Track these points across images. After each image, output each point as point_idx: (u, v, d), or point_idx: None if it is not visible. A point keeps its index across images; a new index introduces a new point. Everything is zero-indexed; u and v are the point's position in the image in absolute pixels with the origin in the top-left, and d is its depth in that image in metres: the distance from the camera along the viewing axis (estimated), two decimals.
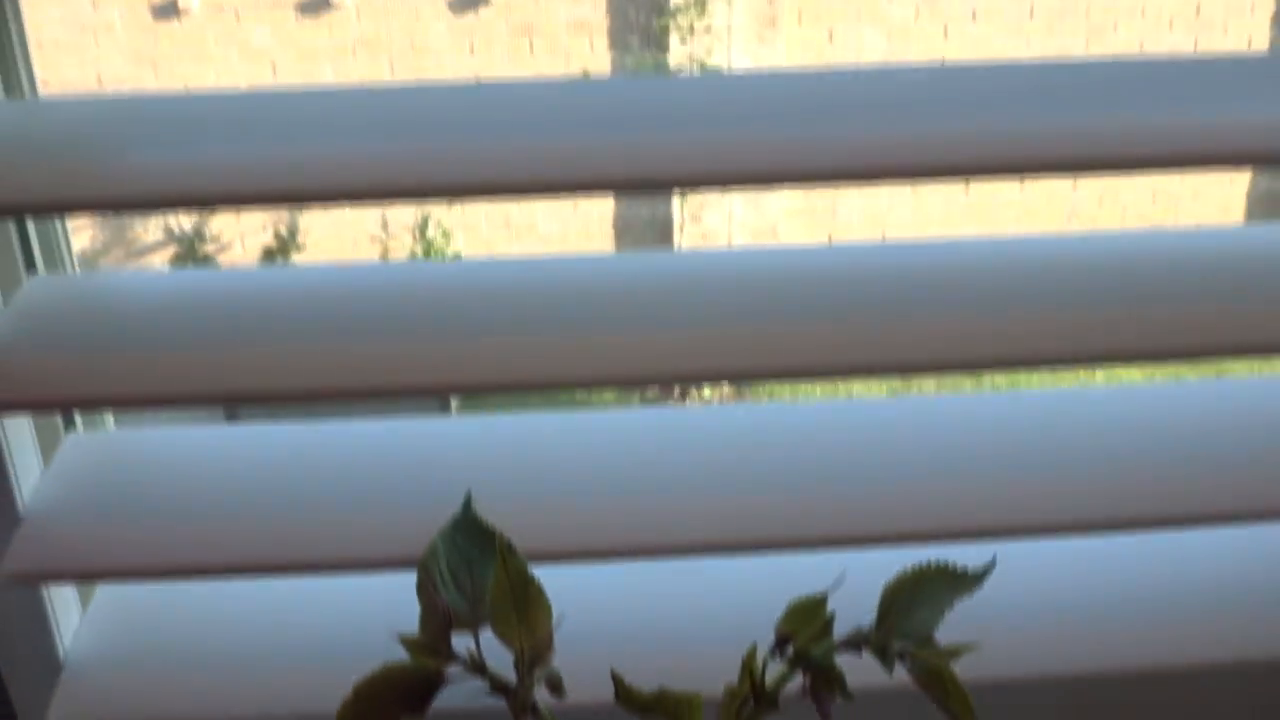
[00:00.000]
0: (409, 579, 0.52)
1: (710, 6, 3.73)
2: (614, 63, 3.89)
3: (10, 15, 0.61)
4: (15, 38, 0.62)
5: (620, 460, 0.63)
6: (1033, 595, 0.65)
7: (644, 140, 0.55)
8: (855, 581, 0.51)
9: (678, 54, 3.81)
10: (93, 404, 0.59)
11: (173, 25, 3.73)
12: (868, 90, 0.59)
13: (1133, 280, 0.61)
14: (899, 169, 0.54)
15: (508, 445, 0.65)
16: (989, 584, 0.48)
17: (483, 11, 4.32)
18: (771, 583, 0.58)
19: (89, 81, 3.74)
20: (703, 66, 3.78)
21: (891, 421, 0.66)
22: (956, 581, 0.45)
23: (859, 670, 0.47)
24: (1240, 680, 0.67)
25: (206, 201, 0.54)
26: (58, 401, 0.58)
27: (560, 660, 0.51)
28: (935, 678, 0.43)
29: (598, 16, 3.85)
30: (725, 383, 0.60)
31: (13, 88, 0.62)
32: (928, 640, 0.43)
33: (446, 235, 4.23)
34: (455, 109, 0.58)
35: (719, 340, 0.58)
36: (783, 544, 0.58)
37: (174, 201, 0.54)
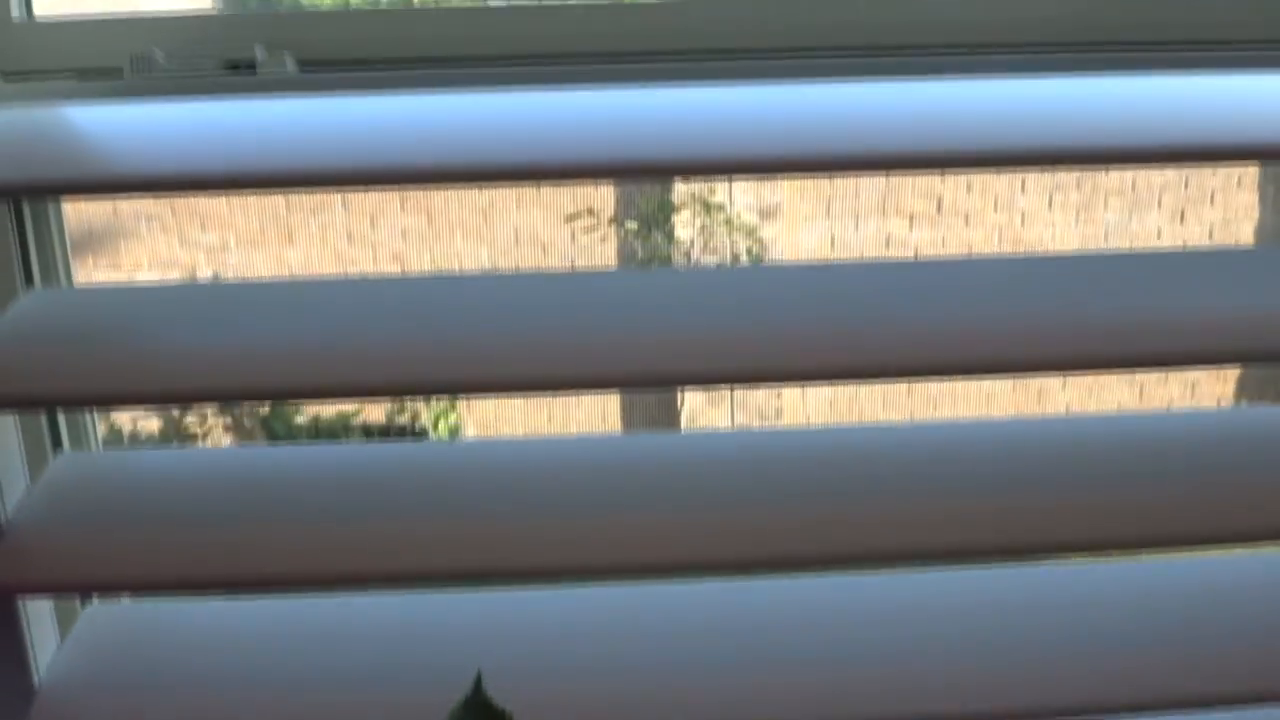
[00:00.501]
0: None
1: None
2: (619, 198, 3.98)
3: (52, 213, 0.64)
4: (55, 232, 0.65)
5: (629, 638, 0.64)
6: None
7: (650, 337, 0.58)
8: None
9: (681, 192, 3.90)
10: (112, 587, 0.60)
11: None
12: (862, 285, 0.62)
13: (1130, 464, 0.63)
14: (887, 368, 0.57)
15: (518, 622, 0.66)
16: None
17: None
18: None
19: (107, 212, 3.82)
20: (705, 206, 3.86)
21: (894, 600, 0.67)
22: None
23: None
24: None
25: (226, 397, 0.57)
26: (79, 585, 0.60)
27: None
28: None
29: None
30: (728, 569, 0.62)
31: (50, 277, 0.65)
32: None
33: None
34: (472, 302, 0.61)
35: (721, 527, 0.59)
36: None
37: (200, 397, 0.56)
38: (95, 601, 0.68)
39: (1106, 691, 0.61)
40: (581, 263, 4.09)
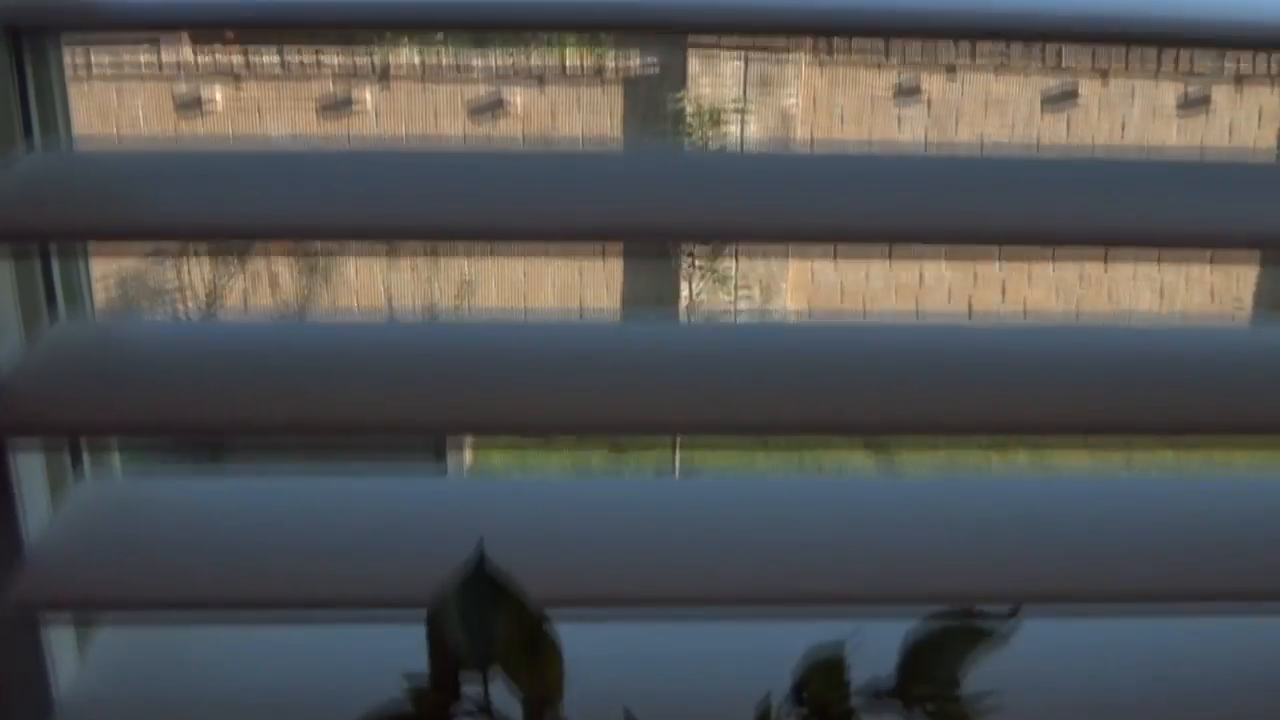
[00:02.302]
0: (418, 634, 0.51)
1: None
2: None
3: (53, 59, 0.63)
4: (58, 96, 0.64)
5: (630, 522, 0.63)
6: (1052, 675, 0.64)
7: None
8: (869, 644, 0.50)
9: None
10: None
11: (195, 120, 3.82)
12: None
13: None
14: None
15: (514, 505, 0.64)
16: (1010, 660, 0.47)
17: (501, 121, 4.41)
18: (787, 650, 0.57)
19: None
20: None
21: (900, 498, 0.66)
22: (980, 636, 0.44)
23: None
24: None
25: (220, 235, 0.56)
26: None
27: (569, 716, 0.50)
28: None
29: (614, 128, 3.95)
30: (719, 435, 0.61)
31: (52, 145, 0.64)
32: (952, 684, 0.42)
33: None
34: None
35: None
36: (790, 599, 0.57)
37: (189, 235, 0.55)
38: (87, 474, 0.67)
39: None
40: None
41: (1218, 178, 0.62)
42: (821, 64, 4.22)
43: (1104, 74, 4.49)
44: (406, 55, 4.05)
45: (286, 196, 0.56)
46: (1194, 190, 0.60)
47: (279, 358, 0.60)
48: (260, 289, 4.13)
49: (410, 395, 0.57)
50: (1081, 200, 0.58)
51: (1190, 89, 4.74)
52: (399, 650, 0.52)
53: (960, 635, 0.44)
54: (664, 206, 0.56)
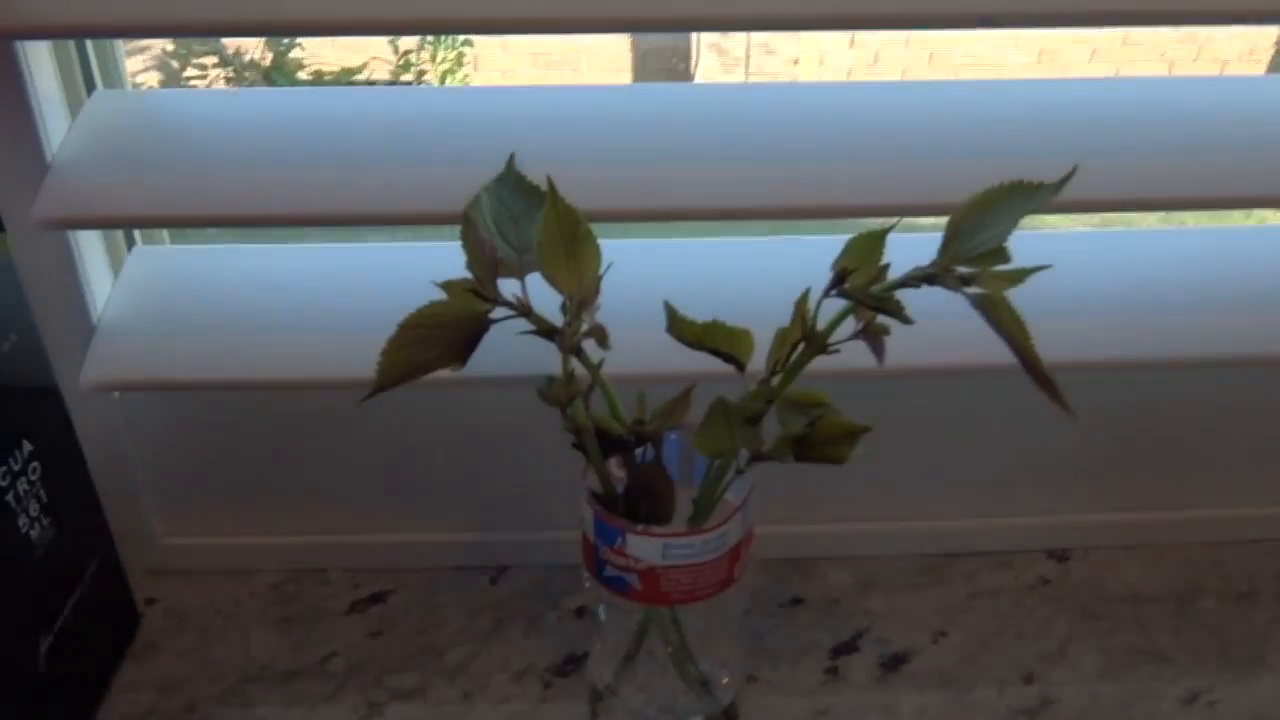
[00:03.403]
0: (456, 250, 0.50)
1: None
2: None
3: None
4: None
5: (667, 129, 0.61)
6: (1088, 284, 0.64)
7: None
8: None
9: None
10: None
11: None
12: None
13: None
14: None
15: (536, 115, 0.62)
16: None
17: None
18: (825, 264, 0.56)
19: None
20: None
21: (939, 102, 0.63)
22: (1030, 193, 0.42)
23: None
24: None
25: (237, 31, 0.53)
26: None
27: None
28: (993, 302, 0.42)
29: None
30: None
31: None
32: (998, 254, 0.41)
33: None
34: None
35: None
36: (821, 211, 0.56)
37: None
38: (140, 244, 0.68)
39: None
40: None
41: None
42: None
43: None
44: None
45: None
46: None
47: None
48: None
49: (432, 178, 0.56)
50: None
51: None
52: (438, 266, 0.51)
53: (1008, 193, 0.42)
54: None
